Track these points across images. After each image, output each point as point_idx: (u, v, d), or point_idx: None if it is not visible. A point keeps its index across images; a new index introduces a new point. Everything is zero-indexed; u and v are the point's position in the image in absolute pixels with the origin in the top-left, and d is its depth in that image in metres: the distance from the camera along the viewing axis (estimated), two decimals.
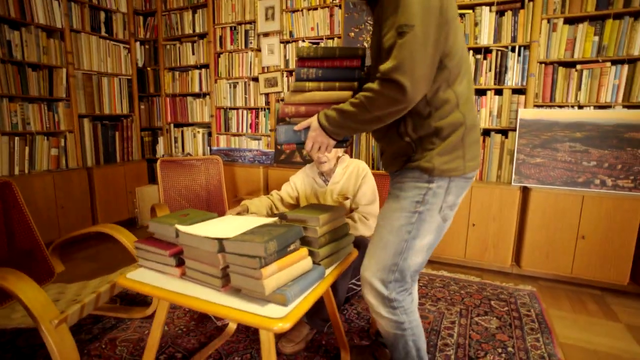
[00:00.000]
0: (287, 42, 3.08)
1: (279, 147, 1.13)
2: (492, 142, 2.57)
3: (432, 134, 0.99)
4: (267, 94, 3.22)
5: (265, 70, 3.18)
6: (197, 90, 3.53)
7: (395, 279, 1.06)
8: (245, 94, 3.32)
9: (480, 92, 2.59)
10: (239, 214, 1.71)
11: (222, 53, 3.35)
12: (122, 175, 3.40)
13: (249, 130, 3.36)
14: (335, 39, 2.91)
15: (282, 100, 3.19)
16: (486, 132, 2.62)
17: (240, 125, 3.39)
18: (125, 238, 1.76)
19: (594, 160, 2.32)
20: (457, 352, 1.64)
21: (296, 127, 1.14)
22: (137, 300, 2.08)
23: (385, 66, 0.90)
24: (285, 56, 3.10)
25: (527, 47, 2.41)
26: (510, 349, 1.68)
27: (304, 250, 1.08)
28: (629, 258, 2.22)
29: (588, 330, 1.89)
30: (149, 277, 1.14)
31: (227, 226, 1.15)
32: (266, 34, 3.12)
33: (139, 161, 3.60)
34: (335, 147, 1.13)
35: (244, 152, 3.34)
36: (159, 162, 2.69)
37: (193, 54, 3.47)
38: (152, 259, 1.18)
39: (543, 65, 2.40)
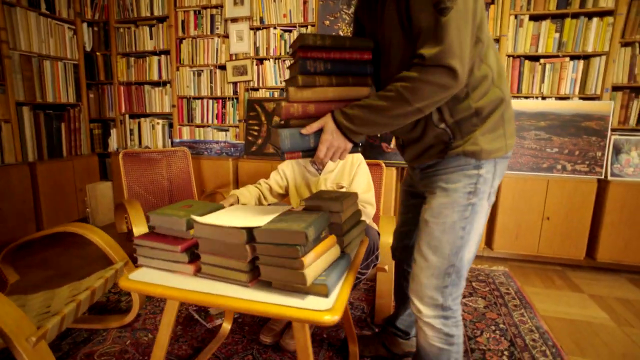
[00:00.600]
0: (258, 28, 2.94)
1: (282, 156, 0.97)
2: None
3: (472, 115, 0.91)
4: (235, 83, 3.06)
5: (234, 58, 3.01)
6: (156, 78, 3.25)
7: (452, 283, 0.97)
8: (211, 82, 3.12)
9: None
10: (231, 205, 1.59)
11: (184, 39, 3.11)
12: (70, 171, 3.03)
13: (216, 121, 3.17)
14: (309, 27, 2.84)
15: (252, 88, 3.05)
16: None
17: (205, 116, 3.19)
18: (99, 238, 1.56)
19: (556, 147, 2.51)
20: None
21: (304, 130, 0.96)
22: (110, 307, 1.86)
23: (430, 51, 0.80)
24: (255, 43, 2.96)
25: (497, 40, 2.53)
26: (502, 325, 1.76)
27: (333, 238, 1.02)
28: (585, 235, 2.45)
29: (560, 303, 2.04)
30: (156, 277, 1.01)
31: (245, 215, 1.05)
32: (234, 20, 2.95)
33: (88, 155, 3.24)
34: (350, 152, 1.00)
35: (211, 144, 3.15)
36: (121, 155, 2.44)
37: (151, 38, 3.19)
38: (157, 257, 1.04)
39: (511, 58, 2.54)
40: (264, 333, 1.59)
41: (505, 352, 1.55)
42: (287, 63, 2.94)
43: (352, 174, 1.77)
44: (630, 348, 1.66)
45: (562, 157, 2.50)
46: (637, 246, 2.36)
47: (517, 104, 2.53)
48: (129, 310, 1.71)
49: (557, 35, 2.46)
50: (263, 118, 2.97)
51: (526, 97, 2.58)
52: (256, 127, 2.99)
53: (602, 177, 2.41)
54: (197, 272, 1.01)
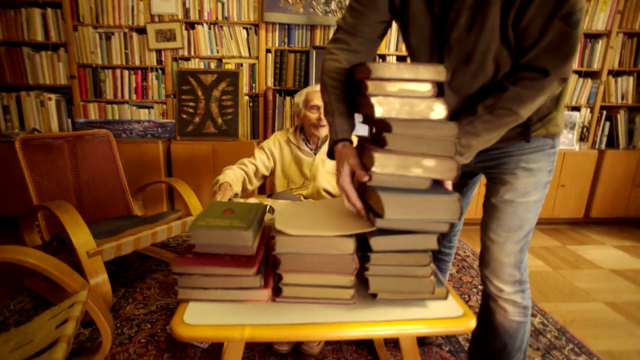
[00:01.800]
0: None
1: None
2: None
3: (551, 99, 0.92)
4: (159, 51, 2.53)
5: (157, 20, 2.47)
6: (40, 38, 2.48)
7: (524, 257, 1.00)
8: (126, 48, 2.52)
9: (403, 59, 2.71)
10: (232, 198, 1.32)
11: None
12: None
13: (135, 97, 2.61)
14: None
15: (182, 58, 2.58)
16: None
17: (119, 90, 2.59)
18: (41, 262, 1.14)
19: None
20: None
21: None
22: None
23: (557, 66, 0.77)
24: (184, 4, 2.48)
25: None
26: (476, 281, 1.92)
27: None
28: (585, 198, 2.91)
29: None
30: (218, 312, 0.75)
31: (311, 216, 0.86)
32: None
33: None
34: None
35: (130, 124, 2.59)
36: (18, 143, 1.81)
37: None
38: (212, 285, 0.78)
39: None
40: (278, 342, 1.40)
41: None
42: (225, 29, 2.56)
43: None
44: (570, 287, 1.99)
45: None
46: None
47: None
48: (98, 349, 1.32)
49: None
50: (200, 93, 2.55)
51: None
52: (191, 104, 2.56)
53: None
54: (276, 297, 0.79)
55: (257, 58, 2.62)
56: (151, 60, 2.55)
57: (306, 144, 1.63)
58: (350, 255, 0.75)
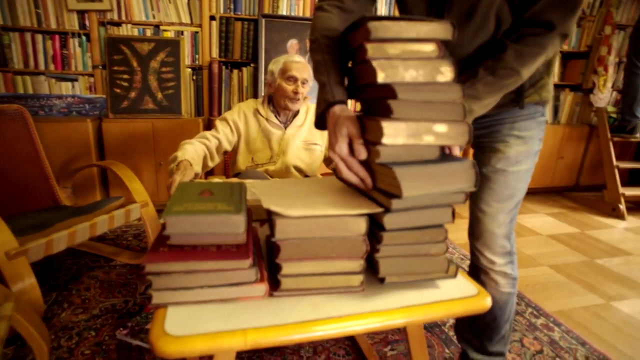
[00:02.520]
0: None
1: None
2: None
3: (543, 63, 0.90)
4: (82, 12, 2.15)
5: None
6: None
7: (513, 227, 0.99)
8: (37, 7, 2.10)
9: None
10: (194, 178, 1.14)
11: None
12: None
13: (52, 67, 2.21)
14: None
15: (112, 22, 2.22)
16: None
17: (32, 59, 2.17)
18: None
19: None
20: None
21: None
22: None
23: (562, 19, 0.74)
24: None
25: None
26: None
27: None
28: (577, 168, 3.25)
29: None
30: (205, 317, 0.62)
31: (302, 196, 0.76)
32: None
33: None
34: None
35: (49, 100, 2.20)
36: None
37: None
38: (196, 284, 0.64)
39: None
40: None
41: None
42: None
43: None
44: (519, 254, 2.12)
45: None
46: None
47: None
48: None
49: None
50: (135, 64, 2.23)
51: None
52: (126, 76, 2.23)
53: None
54: (273, 292, 0.68)
55: (200, 26, 2.36)
56: (72, 23, 2.17)
57: (276, 117, 1.49)
58: (361, 237, 0.66)
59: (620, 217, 2.74)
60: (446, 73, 0.68)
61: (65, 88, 2.24)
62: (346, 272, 0.68)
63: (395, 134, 0.62)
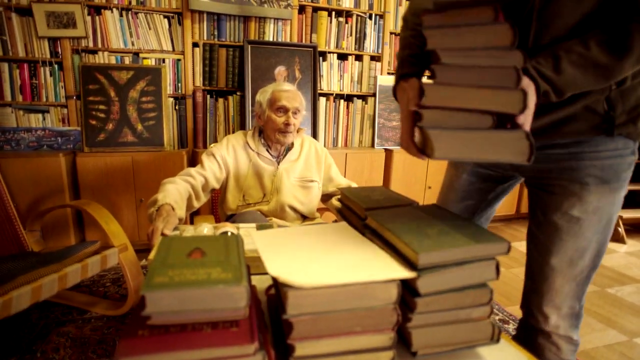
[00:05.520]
0: None
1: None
2: (355, 107, 2.64)
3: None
4: (54, 40, 2.02)
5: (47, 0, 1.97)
6: None
7: (586, 289, 0.84)
8: (2, 33, 1.96)
9: (343, 57, 2.57)
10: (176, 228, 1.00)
11: None
12: None
13: (20, 98, 2.05)
14: None
15: (87, 50, 2.09)
16: (349, 98, 2.65)
17: None
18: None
19: None
20: None
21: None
22: None
23: None
24: None
25: (381, 16, 2.54)
26: None
27: None
28: (516, 195, 3.02)
29: None
30: None
31: (310, 250, 0.64)
32: None
33: None
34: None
35: (17, 133, 2.03)
36: None
37: None
38: None
39: (393, 35, 2.61)
40: None
41: None
42: (142, 17, 2.14)
43: (321, 165, 1.42)
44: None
45: None
46: None
47: None
48: None
49: None
50: (112, 93, 2.10)
51: None
52: (102, 107, 2.09)
53: None
54: None
55: (183, 53, 2.26)
56: (43, 51, 2.03)
57: (267, 150, 1.37)
58: (392, 305, 0.54)
59: (621, 240, 2.70)
60: (504, 38, 0.61)
61: (35, 120, 2.08)
62: (373, 348, 0.55)
63: (436, 98, 0.61)
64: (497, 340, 0.62)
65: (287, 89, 1.34)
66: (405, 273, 0.53)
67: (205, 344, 0.49)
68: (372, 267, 0.56)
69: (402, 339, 0.58)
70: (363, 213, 0.73)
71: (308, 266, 0.57)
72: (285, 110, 1.31)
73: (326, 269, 0.56)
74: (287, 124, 1.29)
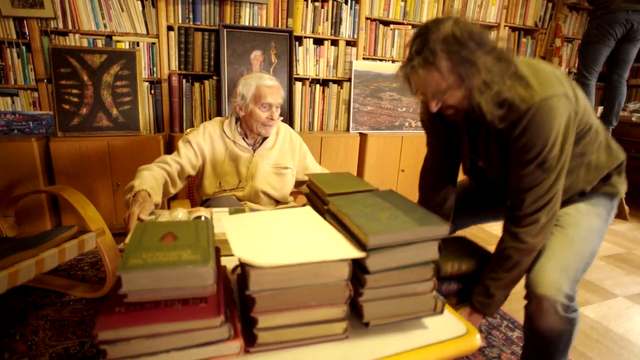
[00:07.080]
0: None
1: None
2: (330, 92, 2.68)
3: (605, 174, 1.03)
4: (20, 20, 1.96)
5: None
6: None
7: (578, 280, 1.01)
8: None
9: (319, 42, 2.58)
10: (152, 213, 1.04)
11: None
12: None
13: None
14: None
15: (56, 32, 2.05)
16: (324, 83, 2.68)
17: None
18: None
19: (404, 106, 2.86)
20: None
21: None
22: None
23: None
24: None
25: (357, 1, 2.56)
26: None
27: None
28: None
29: None
30: None
31: (275, 233, 0.70)
32: None
33: None
34: None
35: None
36: None
37: None
38: (161, 349, 0.56)
39: (369, 20, 2.64)
40: None
41: None
42: None
43: (295, 154, 1.47)
44: None
45: (409, 115, 2.89)
46: None
47: (376, 66, 2.70)
48: None
49: (402, 4, 2.71)
50: (85, 77, 2.06)
51: (381, 60, 2.78)
52: (75, 91, 2.06)
53: None
54: (250, 348, 0.61)
55: (157, 36, 2.23)
56: (8, 31, 1.97)
57: (244, 139, 1.41)
58: (344, 282, 0.61)
59: None
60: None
61: (4, 103, 2.04)
62: (328, 319, 0.63)
63: None
64: (441, 312, 0.70)
65: (270, 85, 1.35)
66: (355, 253, 0.60)
67: (177, 318, 0.55)
68: (327, 248, 0.62)
69: (356, 311, 0.65)
70: (326, 198, 0.79)
71: (270, 247, 0.63)
72: (269, 106, 1.34)
73: (286, 250, 0.62)
74: (271, 118, 1.34)
